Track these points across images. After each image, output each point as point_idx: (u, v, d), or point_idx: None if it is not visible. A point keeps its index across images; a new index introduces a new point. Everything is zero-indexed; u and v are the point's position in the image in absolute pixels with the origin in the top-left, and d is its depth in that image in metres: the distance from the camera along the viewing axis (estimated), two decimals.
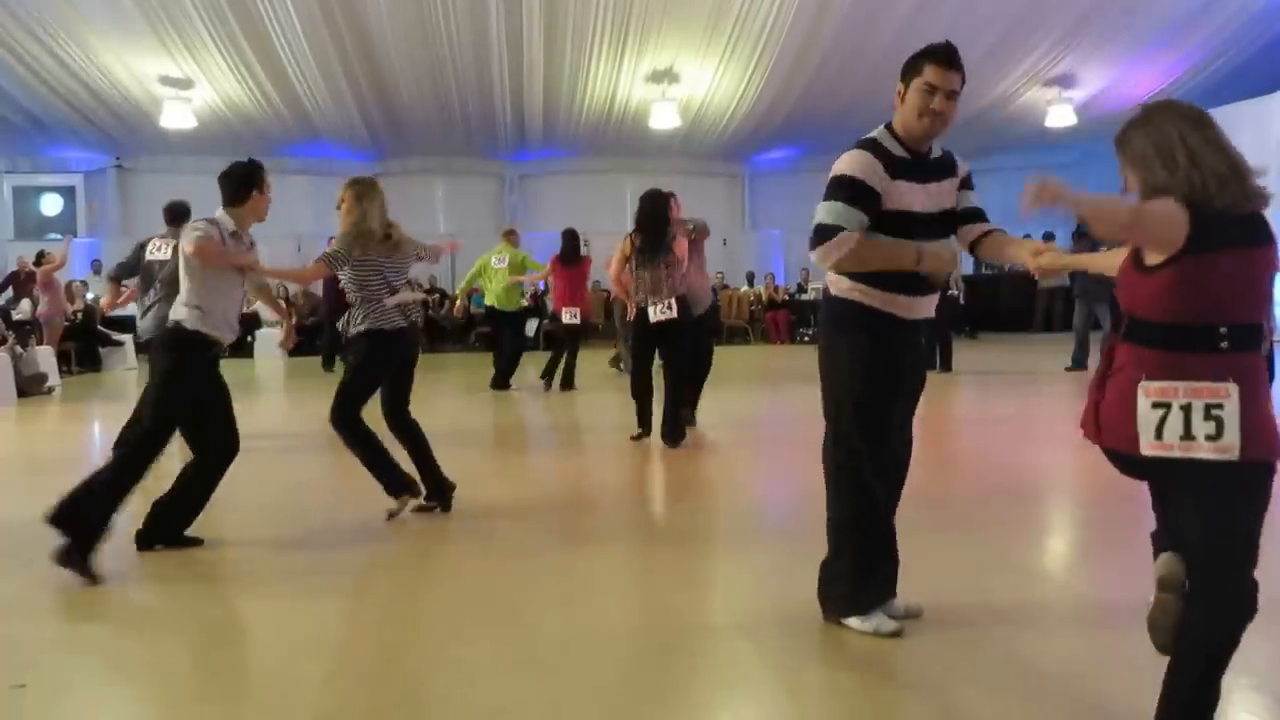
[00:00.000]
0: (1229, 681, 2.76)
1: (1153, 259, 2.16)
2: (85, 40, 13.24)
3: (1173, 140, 2.14)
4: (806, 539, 3.84)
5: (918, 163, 2.96)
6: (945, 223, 3.07)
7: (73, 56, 13.62)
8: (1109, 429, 2.20)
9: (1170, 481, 2.21)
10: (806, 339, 17.07)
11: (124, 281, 6.74)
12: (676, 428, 6.63)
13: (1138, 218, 2.10)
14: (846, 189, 2.87)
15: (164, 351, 4.32)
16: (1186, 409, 2.11)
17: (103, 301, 7.46)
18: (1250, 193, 2.13)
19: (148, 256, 6.18)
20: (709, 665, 3.01)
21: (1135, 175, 2.21)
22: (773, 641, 3.14)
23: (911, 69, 2.93)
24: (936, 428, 7.40)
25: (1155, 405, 2.13)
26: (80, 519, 3.84)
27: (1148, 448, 2.14)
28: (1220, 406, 2.10)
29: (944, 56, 2.88)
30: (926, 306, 3.07)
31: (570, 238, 10.32)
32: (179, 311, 4.22)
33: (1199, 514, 2.16)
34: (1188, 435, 2.11)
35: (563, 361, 10.44)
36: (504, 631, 3.29)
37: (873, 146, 2.93)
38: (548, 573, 3.94)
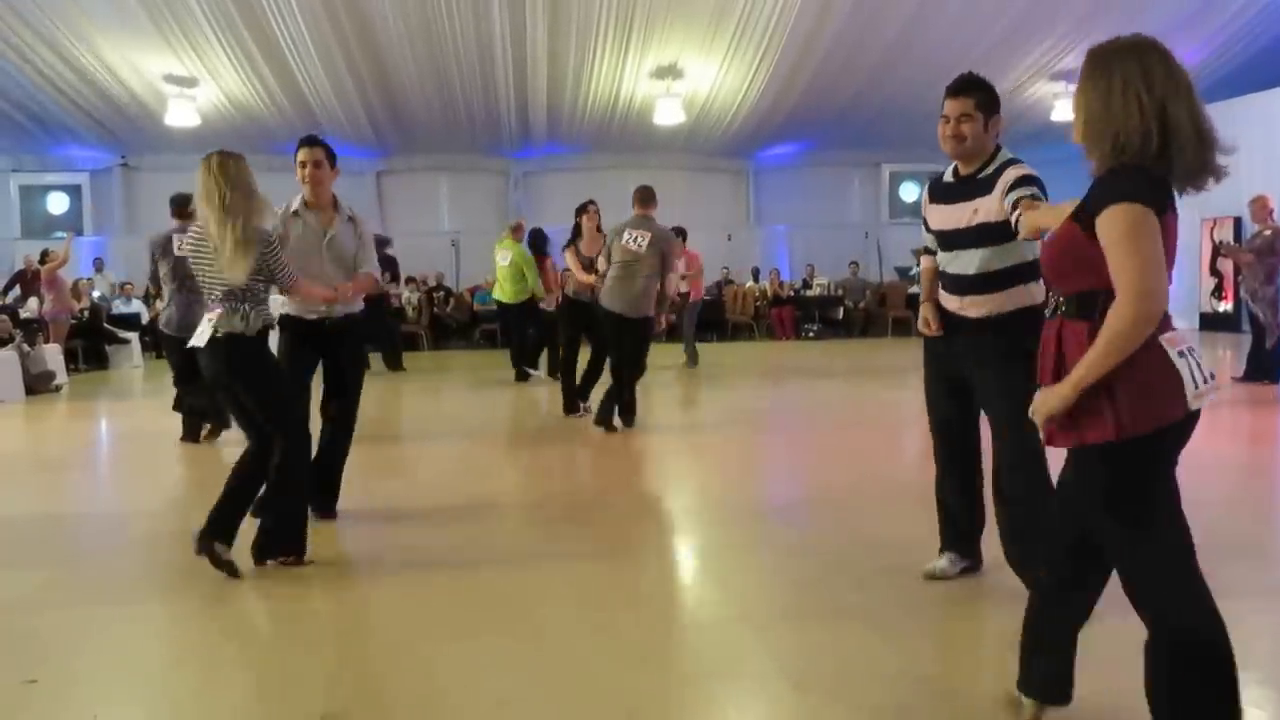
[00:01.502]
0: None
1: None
2: (90, 39, 13.27)
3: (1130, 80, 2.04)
4: (809, 532, 3.87)
5: (960, 184, 3.35)
6: (981, 236, 3.29)
7: (78, 56, 13.65)
8: (1168, 401, 2.04)
9: (1182, 442, 2.14)
10: (811, 335, 17.05)
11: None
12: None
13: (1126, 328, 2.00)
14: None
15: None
16: (1193, 352, 2.09)
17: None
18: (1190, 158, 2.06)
19: (177, 253, 6.18)
20: (713, 659, 3.02)
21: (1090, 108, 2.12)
22: (778, 635, 3.14)
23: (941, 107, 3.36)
24: None
25: (1180, 355, 2.06)
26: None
27: (1194, 400, 2.05)
28: (1194, 349, 2.10)
29: (952, 87, 3.31)
30: (965, 306, 3.35)
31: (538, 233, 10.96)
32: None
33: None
34: (1206, 379, 2.08)
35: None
36: (509, 625, 3.29)
37: (934, 177, 3.52)
38: (551, 567, 3.95)
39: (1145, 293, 1.96)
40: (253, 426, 3.98)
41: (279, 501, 3.93)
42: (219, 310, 3.83)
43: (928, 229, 3.54)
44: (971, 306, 3.34)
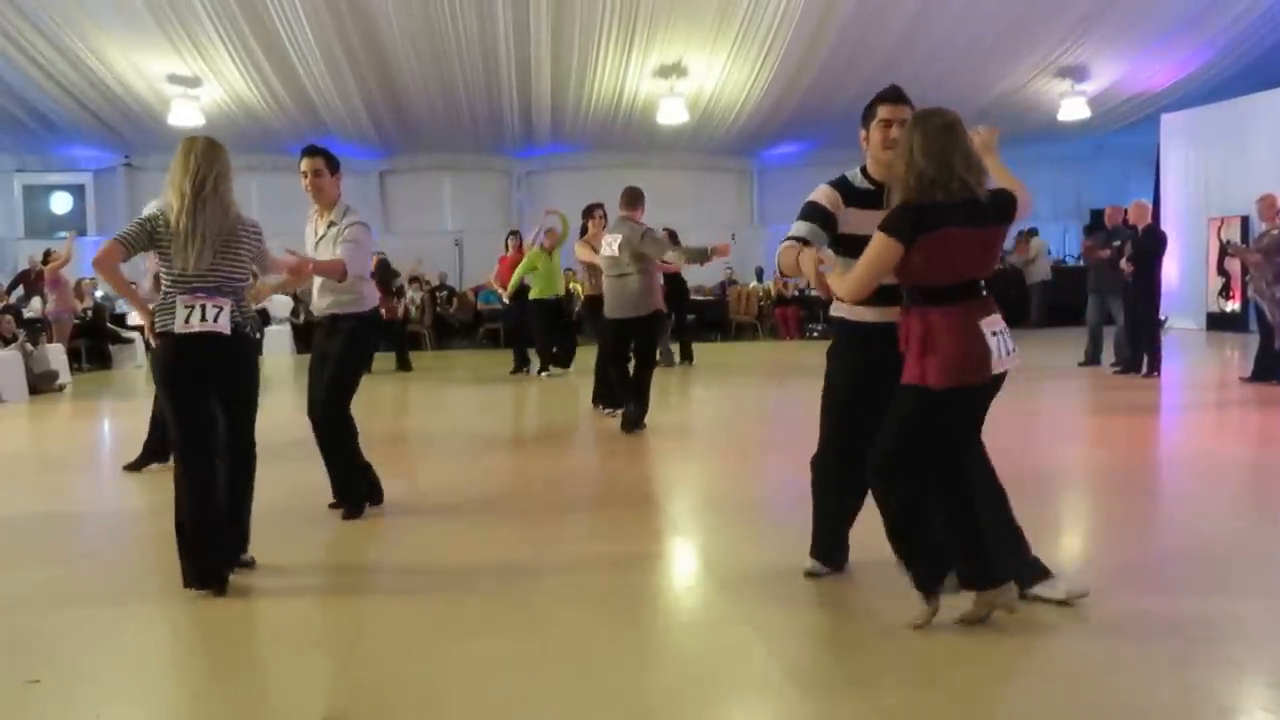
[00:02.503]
0: (1245, 679, 2.75)
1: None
2: (94, 40, 13.28)
3: (908, 144, 2.95)
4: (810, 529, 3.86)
5: (881, 192, 3.29)
6: None
7: (82, 56, 13.65)
8: (980, 362, 2.93)
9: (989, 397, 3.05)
10: (815, 334, 17.03)
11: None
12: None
13: (861, 279, 3.03)
14: (805, 209, 3.45)
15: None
16: (1003, 333, 2.96)
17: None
18: (956, 186, 2.90)
19: None
20: (717, 659, 3.01)
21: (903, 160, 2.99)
22: (782, 635, 3.13)
23: (868, 114, 3.47)
24: None
25: (993, 334, 2.94)
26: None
27: (997, 366, 2.93)
28: (1006, 330, 2.99)
29: (891, 95, 3.47)
30: (891, 315, 3.19)
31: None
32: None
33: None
34: (1010, 352, 2.97)
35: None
36: (511, 626, 3.29)
37: (837, 181, 3.46)
38: (553, 568, 3.94)
39: (848, 293, 3.08)
40: (204, 433, 3.72)
41: (248, 504, 3.89)
42: (228, 301, 3.70)
43: (829, 229, 3.32)
44: (895, 315, 3.16)
